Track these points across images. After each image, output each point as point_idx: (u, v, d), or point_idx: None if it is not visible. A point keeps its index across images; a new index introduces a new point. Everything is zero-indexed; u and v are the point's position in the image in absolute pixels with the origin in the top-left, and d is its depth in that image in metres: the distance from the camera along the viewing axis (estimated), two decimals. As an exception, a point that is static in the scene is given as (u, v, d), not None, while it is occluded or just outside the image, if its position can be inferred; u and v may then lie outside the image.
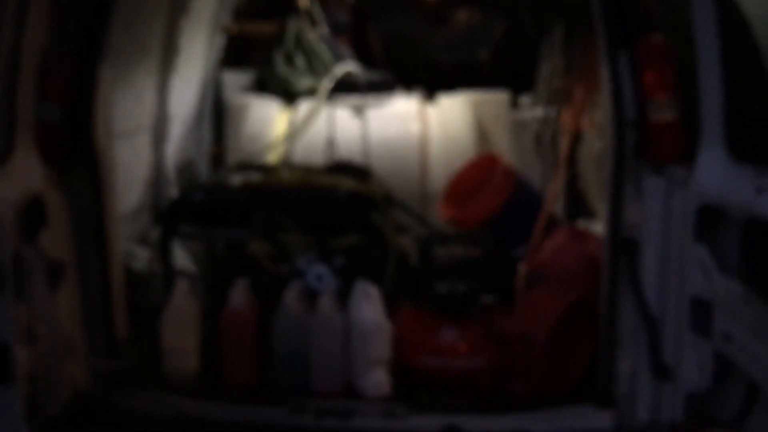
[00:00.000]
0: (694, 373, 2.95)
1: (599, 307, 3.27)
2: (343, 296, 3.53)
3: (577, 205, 4.66)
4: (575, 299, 3.44)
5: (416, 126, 4.83)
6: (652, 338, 3.08)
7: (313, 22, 5.38)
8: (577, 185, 4.72)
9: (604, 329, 3.25)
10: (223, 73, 5.53)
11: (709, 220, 2.87)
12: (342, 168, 4.18)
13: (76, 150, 3.37)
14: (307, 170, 4.18)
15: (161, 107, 4.83)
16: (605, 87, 3.24)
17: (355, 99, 4.88)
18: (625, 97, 3.10)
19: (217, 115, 5.51)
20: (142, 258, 4.39)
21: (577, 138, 4.41)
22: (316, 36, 5.33)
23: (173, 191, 4.88)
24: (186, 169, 5.22)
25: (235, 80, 5.53)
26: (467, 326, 3.45)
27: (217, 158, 5.29)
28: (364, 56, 6.00)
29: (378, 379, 3.41)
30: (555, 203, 4.31)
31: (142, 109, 4.65)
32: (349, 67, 5.10)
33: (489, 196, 4.09)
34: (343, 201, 3.78)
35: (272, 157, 4.74)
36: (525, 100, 5.52)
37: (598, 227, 4.30)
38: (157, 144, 4.85)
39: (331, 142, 4.59)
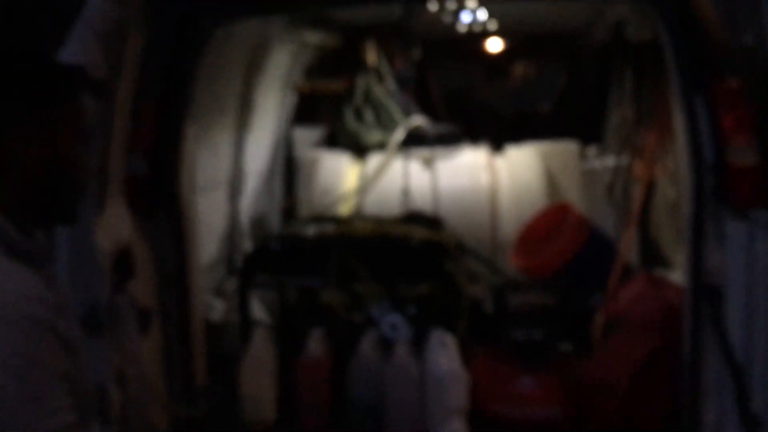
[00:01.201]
0: (786, 421, 2.84)
1: (681, 355, 3.19)
2: (417, 344, 3.53)
3: (651, 254, 4.59)
4: (656, 346, 3.36)
5: (485, 176, 4.87)
6: (739, 387, 2.98)
7: (381, 78, 5.51)
8: (651, 234, 4.66)
9: (687, 378, 3.17)
10: (294, 130, 5.70)
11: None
12: (414, 218, 4.22)
13: (161, 202, 3.50)
14: (380, 221, 4.24)
15: (237, 163, 4.99)
16: (681, 132, 3.23)
17: (424, 151, 4.96)
18: (703, 141, 3.08)
19: (288, 170, 5.66)
20: (219, 309, 4.49)
21: (650, 186, 4.37)
22: (384, 91, 5.46)
23: (248, 244, 5.00)
24: (259, 222, 5.35)
25: (305, 136, 5.70)
26: (544, 374, 3.41)
27: (289, 211, 5.41)
28: (426, 109, 6.12)
29: (455, 428, 3.38)
30: (629, 252, 4.26)
31: (219, 165, 4.81)
32: (418, 120, 5.20)
33: (563, 243, 4.07)
34: (416, 249, 3.81)
35: (344, 209, 4.82)
36: (591, 150, 5.52)
37: (674, 276, 4.23)
38: (232, 198, 5.00)
39: (406, 193, 4.64)
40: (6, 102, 1.54)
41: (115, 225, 3.18)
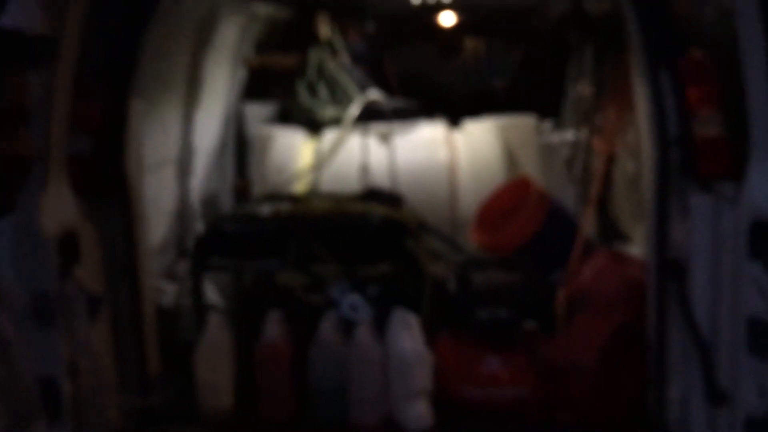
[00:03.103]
0: (753, 396, 2.83)
1: (646, 331, 3.17)
2: (380, 326, 3.44)
3: (610, 229, 4.57)
4: (621, 323, 3.34)
5: (444, 152, 4.78)
6: (705, 362, 2.97)
7: (334, 52, 5.36)
8: (609, 209, 4.64)
9: (653, 354, 3.15)
10: (245, 106, 5.51)
11: (763, 237, 2.78)
12: (373, 195, 4.11)
13: (108, 183, 3.32)
14: (338, 199, 4.12)
15: (186, 140, 4.80)
16: (644, 106, 3.18)
17: (381, 126, 4.84)
18: (667, 114, 3.04)
19: (240, 147, 5.48)
20: (170, 293, 4.32)
21: (609, 160, 4.33)
22: (338, 65, 5.31)
23: (199, 225, 4.82)
24: (211, 202, 5.17)
25: (257, 112, 5.51)
26: (511, 354, 3.35)
27: (242, 191, 5.23)
28: (380, 86, 5.99)
29: (419, 411, 3.31)
30: (589, 228, 4.23)
31: (167, 142, 4.61)
32: (374, 95, 5.07)
33: (524, 219, 4.01)
34: (375, 227, 3.71)
35: (299, 187, 4.68)
36: (547, 125, 5.48)
37: (633, 250, 4.21)
38: (182, 177, 4.81)
39: (365, 169, 4.52)
40: None
41: (58, 207, 3.00)
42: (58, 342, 2.34)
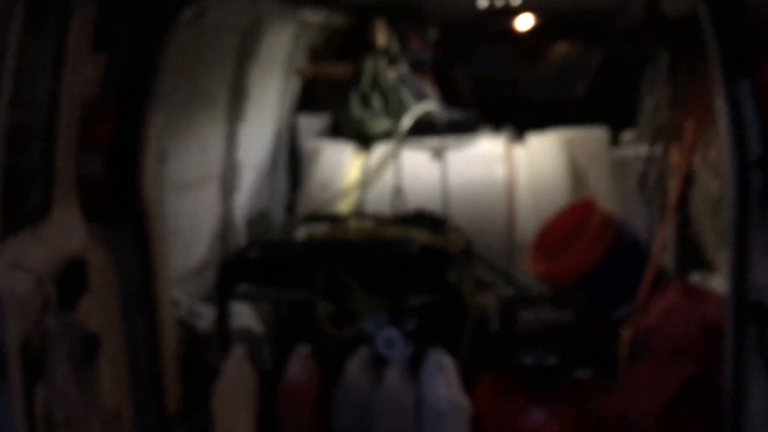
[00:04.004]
0: None
1: (721, 386, 2.69)
2: (413, 365, 3.09)
3: (691, 255, 4.06)
4: (690, 375, 2.87)
5: (502, 169, 4.37)
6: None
7: (392, 61, 5.05)
8: (690, 232, 4.13)
9: (729, 412, 2.67)
10: (299, 118, 5.27)
11: None
12: (416, 218, 3.75)
13: (122, 205, 3.11)
14: (378, 221, 3.79)
15: (229, 156, 4.59)
16: (722, 121, 2.71)
17: (434, 141, 4.48)
18: (747, 131, 2.57)
19: (295, 162, 5.25)
20: (206, 317, 4.11)
21: (688, 178, 3.83)
22: (395, 75, 5.00)
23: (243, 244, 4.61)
24: (259, 220, 4.95)
25: (310, 124, 5.26)
26: (558, 406, 2.94)
27: (291, 209, 5.00)
28: (450, 95, 5.65)
29: (453, 467, 2.94)
30: (663, 254, 3.73)
31: (208, 159, 4.41)
32: (427, 106, 4.71)
33: (585, 247, 3.58)
34: (414, 256, 3.35)
35: (344, 206, 4.38)
36: (628, 136, 4.99)
37: (717, 282, 3.70)
38: (225, 195, 4.60)
39: (398, 191, 4.17)
40: None
41: (61, 233, 2.79)
42: (11, 397, 2.10)
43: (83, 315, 2.75)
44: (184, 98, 4.01)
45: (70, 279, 2.75)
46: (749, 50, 2.62)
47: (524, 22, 6.36)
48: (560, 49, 6.65)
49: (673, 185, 3.87)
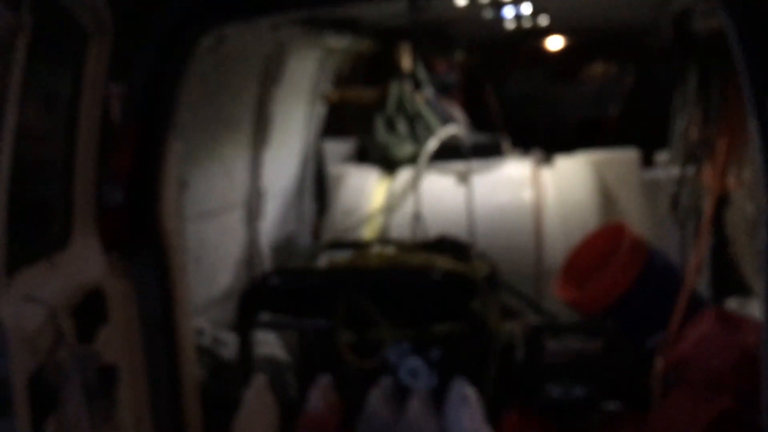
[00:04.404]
0: None
1: (759, 419, 2.54)
2: (436, 398, 3.00)
3: (727, 280, 3.90)
4: (726, 408, 2.72)
5: (529, 192, 4.28)
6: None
7: (417, 85, 5.00)
8: (726, 256, 3.98)
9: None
10: (325, 143, 5.25)
11: None
12: (439, 244, 3.67)
13: (141, 235, 3.09)
14: (403, 246, 3.71)
15: (254, 182, 4.56)
16: (753, 140, 2.60)
17: (459, 165, 4.40)
18: (778, 153, 2.45)
19: (321, 188, 5.21)
20: (231, 345, 4.06)
21: (722, 200, 3.70)
22: (420, 98, 4.95)
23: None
24: (285, 247, 4.91)
25: (337, 150, 5.23)
26: (586, 440, 2.82)
27: (317, 235, 4.96)
28: (479, 118, 5.59)
29: (478, 504, 2.83)
30: (698, 279, 3.59)
31: (232, 185, 4.39)
32: (452, 130, 4.65)
33: (615, 273, 3.45)
34: (437, 283, 3.27)
35: (369, 231, 4.32)
36: (662, 156, 4.86)
37: (755, 308, 3.55)
38: (250, 221, 4.57)
39: (418, 217, 4.09)
40: None
41: (80, 263, 2.77)
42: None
43: (102, 346, 2.72)
44: (208, 125, 4.01)
45: (89, 310, 2.73)
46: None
47: (554, 43, 6.29)
48: (592, 69, 6.57)
49: (706, 207, 3.73)
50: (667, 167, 4.63)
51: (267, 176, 4.64)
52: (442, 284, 3.28)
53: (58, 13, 2.50)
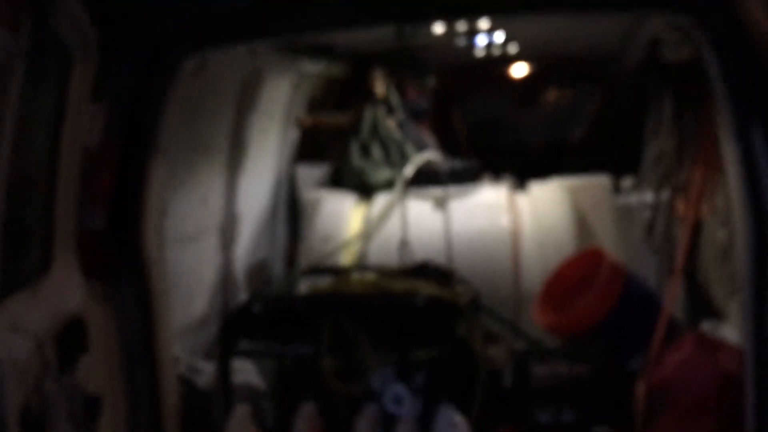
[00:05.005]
0: None
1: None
2: (422, 424, 2.98)
3: (700, 305, 3.99)
4: (710, 430, 2.76)
5: (506, 218, 4.31)
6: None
7: (390, 110, 5.02)
8: (697, 281, 4.06)
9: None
10: (297, 168, 5.23)
11: None
12: (421, 269, 3.67)
13: (123, 261, 3.02)
14: (384, 273, 3.71)
15: (229, 207, 4.52)
16: (733, 168, 2.66)
17: (436, 191, 4.42)
18: (761, 179, 2.52)
19: (294, 213, 5.19)
20: (206, 373, 3.99)
21: (696, 227, 3.78)
22: (394, 124, 4.97)
23: (244, 298, 4.51)
24: (259, 272, 4.86)
25: (310, 175, 5.21)
26: (576, 465, 2.83)
27: (293, 259, 4.92)
28: (447, 143, 5.63)
29: None
30: (675, 305, 3.66)
31: (207, 211, 4.34)
32: (429, 155, 4.67)
33: (595, 297, 3.50)
34: (421, 308, 3.26)
35: (346, 258, 4.30)
36: (627, 182, 4.95)
37: (728, 331, 3.62)
38: (225, 247, 4.52)
39: (404, 244, 4.10)
40: None
41: (60, 291, 2.70)
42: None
43: (83, 376, 2.65)
44: (183, 149, 3.96)
45: (69, 339, 2.66)
46: (759, 93, 2.59)
47: (520, 69, 6.39)
48: (556, 95, 6.68)
49: (681, 235, 3.81)
50: (635, 193, 4.73)
51: (241, 202, 4.60)
52: (425, 309, 3.28)
53: (47, 34, 2.46)
